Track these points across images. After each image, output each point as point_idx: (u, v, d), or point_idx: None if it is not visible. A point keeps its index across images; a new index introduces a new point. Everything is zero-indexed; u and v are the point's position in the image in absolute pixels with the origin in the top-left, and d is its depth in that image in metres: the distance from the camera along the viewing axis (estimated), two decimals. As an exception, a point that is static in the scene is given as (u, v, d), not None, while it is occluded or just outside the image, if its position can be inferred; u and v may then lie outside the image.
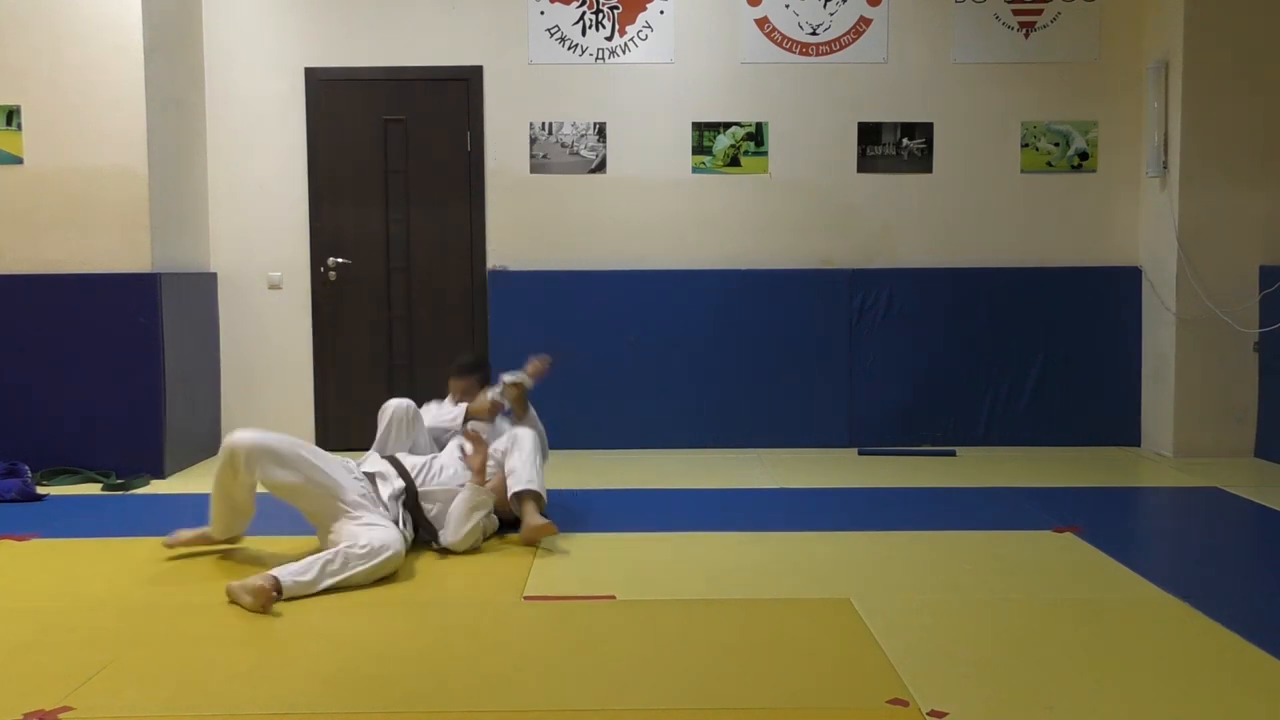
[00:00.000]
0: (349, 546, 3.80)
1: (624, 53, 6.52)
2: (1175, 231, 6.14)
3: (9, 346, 5.69)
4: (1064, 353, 6.52)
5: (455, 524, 4.19)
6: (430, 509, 4.27)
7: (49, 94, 5.74)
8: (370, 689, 2.92)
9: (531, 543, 4.28)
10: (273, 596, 3.56)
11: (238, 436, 3.97)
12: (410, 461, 4.38)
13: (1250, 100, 6.09)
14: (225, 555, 4.19)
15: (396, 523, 4.08)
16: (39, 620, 3.48)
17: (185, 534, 4.20)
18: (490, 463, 4.42)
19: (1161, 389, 6.31)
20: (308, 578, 3.67)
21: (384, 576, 3.84)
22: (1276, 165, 6.14)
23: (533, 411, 4.88)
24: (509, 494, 4.41)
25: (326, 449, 4.27)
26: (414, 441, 4.60)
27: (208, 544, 4.21)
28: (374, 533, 3.88)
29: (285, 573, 3.64)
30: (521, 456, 4.46)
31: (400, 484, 4.23)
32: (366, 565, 3.78)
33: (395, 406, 4.62)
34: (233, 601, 3.61)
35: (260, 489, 4.07)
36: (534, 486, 4.38)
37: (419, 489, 4.27)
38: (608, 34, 6.51)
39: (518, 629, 3.48)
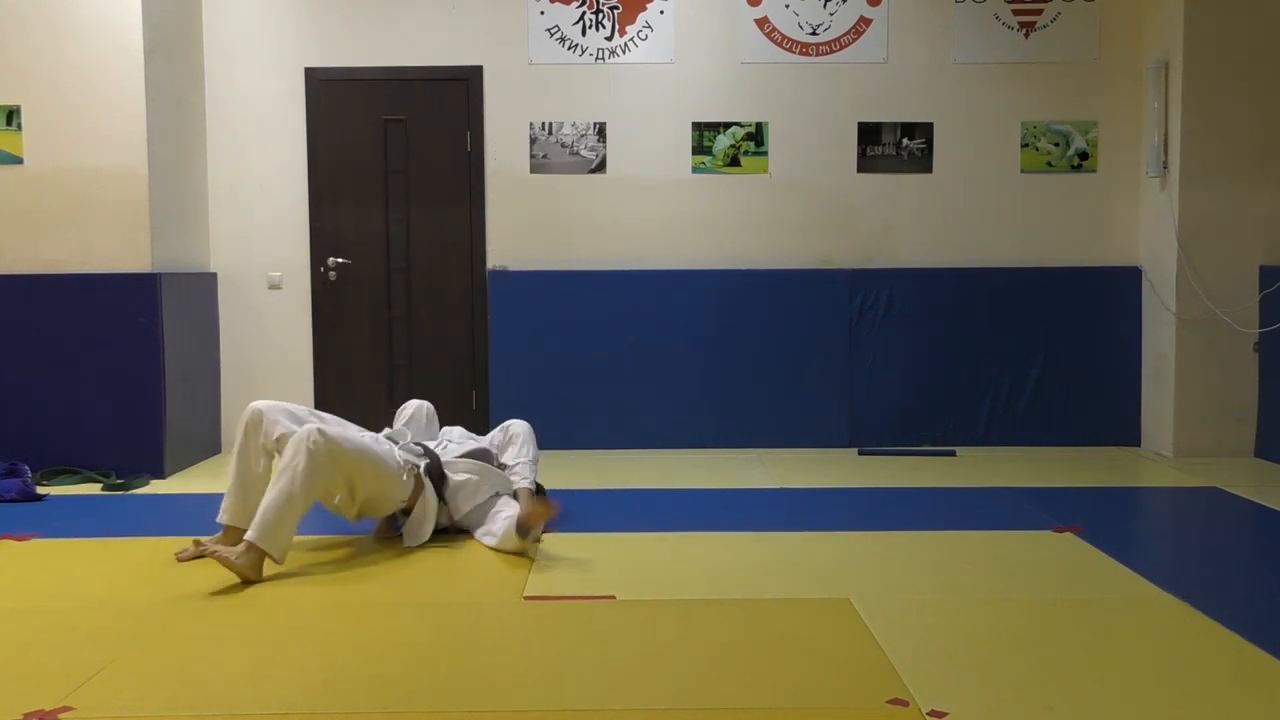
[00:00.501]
0: None
1: (624, 53, 6.52)
2: (1175, 231, 6.14)
3: (9, 346, 5.68)
4: (1064, 353, 6.52)
5: (493, 538, 4.29)
6: (455, 478, 4.35)
7: (49, 94, 5.74)
8: (370, 689, 2.92)
9: (533, 524, 4.18)
10: (257, 553, 3.78)
11: (256, 402, 4.18)
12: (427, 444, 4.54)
13: (1250, 100, 6.09)
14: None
15: (416, 472, 4.24)
16: (39, 620, 3.48)
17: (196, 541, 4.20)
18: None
19: (1161, 389, 6.31)
20: (264, 525, 3.80)
21: (327, 472, 3.92)
22: (1276, 165, 6.14)
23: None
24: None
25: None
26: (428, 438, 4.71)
27: None
28: None
29: (250, 537, 3.81)
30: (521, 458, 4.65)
31: (425, 459, 4.34)
32: (283, 463, 3.88)
33: (417, 405, 4.77)
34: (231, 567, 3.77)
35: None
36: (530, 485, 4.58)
37: (441, 459, 4.40)
38: (608, 34, 6.51)
39: (518, 629, 3.48)
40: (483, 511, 4.39)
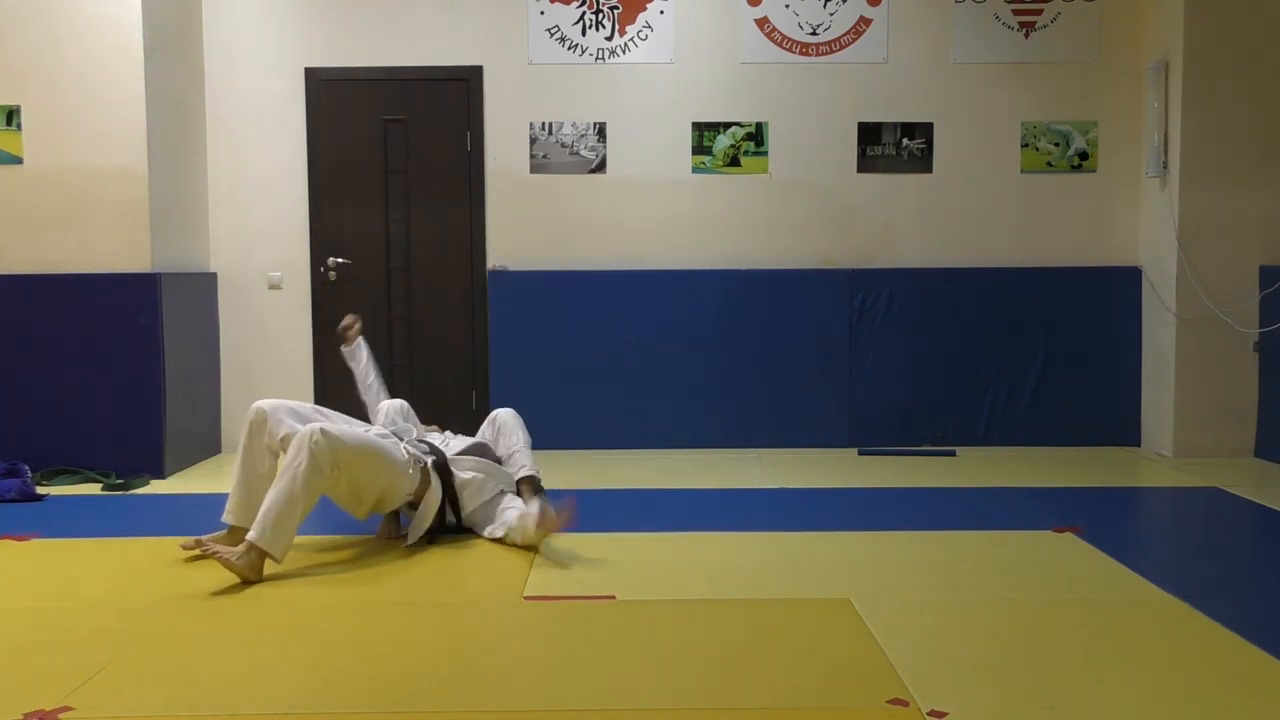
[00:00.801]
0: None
1: (624, 53, 6.52)
2: (1175, 231, 6.14)
3: (9, 346, 5.68)
4: (1064, 353, 6.51)
5: (503, 530, 4.29)
6: (462, 475, 4.36)
7: (49, 94, 5.74)
8: (370, 689, 2.92)
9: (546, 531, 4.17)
10: (258, 554, 3.78)
11: (260, 401, 4.17)
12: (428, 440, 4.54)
13: (1250, 100, 6.09)
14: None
15: (419, 463, 4.24)
16: (39, 620, 3.48)
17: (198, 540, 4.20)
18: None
19: (1161, 389, 6.31)
20: (265, 525, 3.79)
21: (329, 471, 3.89)
22: (1276, 165, 6.14)
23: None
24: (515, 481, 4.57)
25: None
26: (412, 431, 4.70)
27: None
28: None
29: (250, 537, 3.81)
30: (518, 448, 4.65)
31: (431, 455, 4.34)
32: (285, 463, 3.88)
33: (389, 403, 4.75)
34: (231, 568, 3.77)
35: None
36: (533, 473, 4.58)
37: (446, 455, 4.40)
38: (608, 34, 6.51)
39: (518, 629, 3.48)
40: (489, 509, 4.39)
